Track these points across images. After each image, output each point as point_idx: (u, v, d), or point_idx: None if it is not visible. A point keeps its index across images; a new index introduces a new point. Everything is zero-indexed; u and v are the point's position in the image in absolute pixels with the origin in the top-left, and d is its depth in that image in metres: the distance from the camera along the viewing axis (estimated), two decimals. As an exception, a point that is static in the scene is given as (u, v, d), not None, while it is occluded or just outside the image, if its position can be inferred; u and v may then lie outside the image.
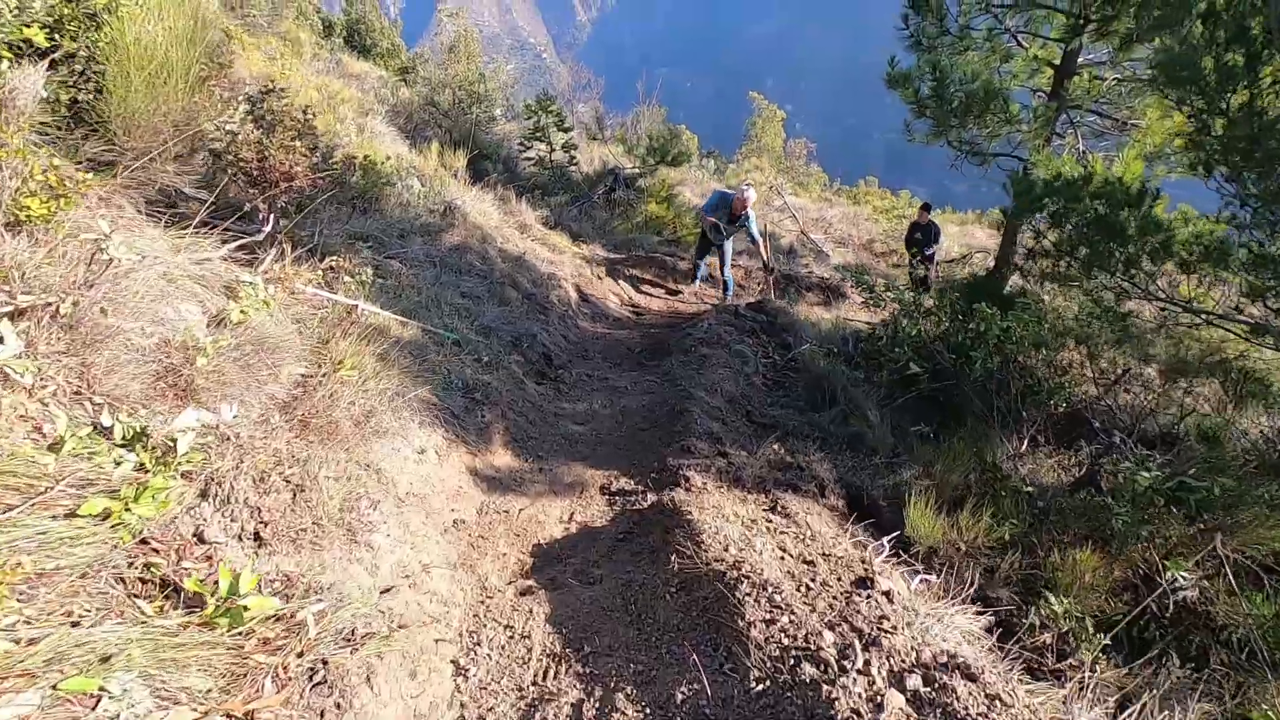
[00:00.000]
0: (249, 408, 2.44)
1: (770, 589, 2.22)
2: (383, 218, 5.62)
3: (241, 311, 2.53)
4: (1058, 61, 8.65)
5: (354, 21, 17.29)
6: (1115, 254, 4.59)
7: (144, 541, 1.68)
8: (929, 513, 3.33)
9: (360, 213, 5.59)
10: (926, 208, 10.98)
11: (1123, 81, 8.26)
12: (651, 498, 3.29)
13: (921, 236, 10.82)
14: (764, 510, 3.14)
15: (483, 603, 2.48)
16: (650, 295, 8.67)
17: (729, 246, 8.04)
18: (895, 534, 3.12)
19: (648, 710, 1.94)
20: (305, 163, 3.46)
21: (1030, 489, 3.78)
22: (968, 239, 16.05)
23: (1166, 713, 2.27)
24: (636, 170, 10.98)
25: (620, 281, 8.48)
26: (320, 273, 3.47)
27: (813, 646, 1.98)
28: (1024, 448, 4.42)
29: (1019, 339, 4.92)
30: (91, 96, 2.83)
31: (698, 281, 8.71)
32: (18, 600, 1.33)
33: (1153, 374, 6.00)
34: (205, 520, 1.87)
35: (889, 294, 5.74)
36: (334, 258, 3.62)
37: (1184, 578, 2.97)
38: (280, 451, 2.22)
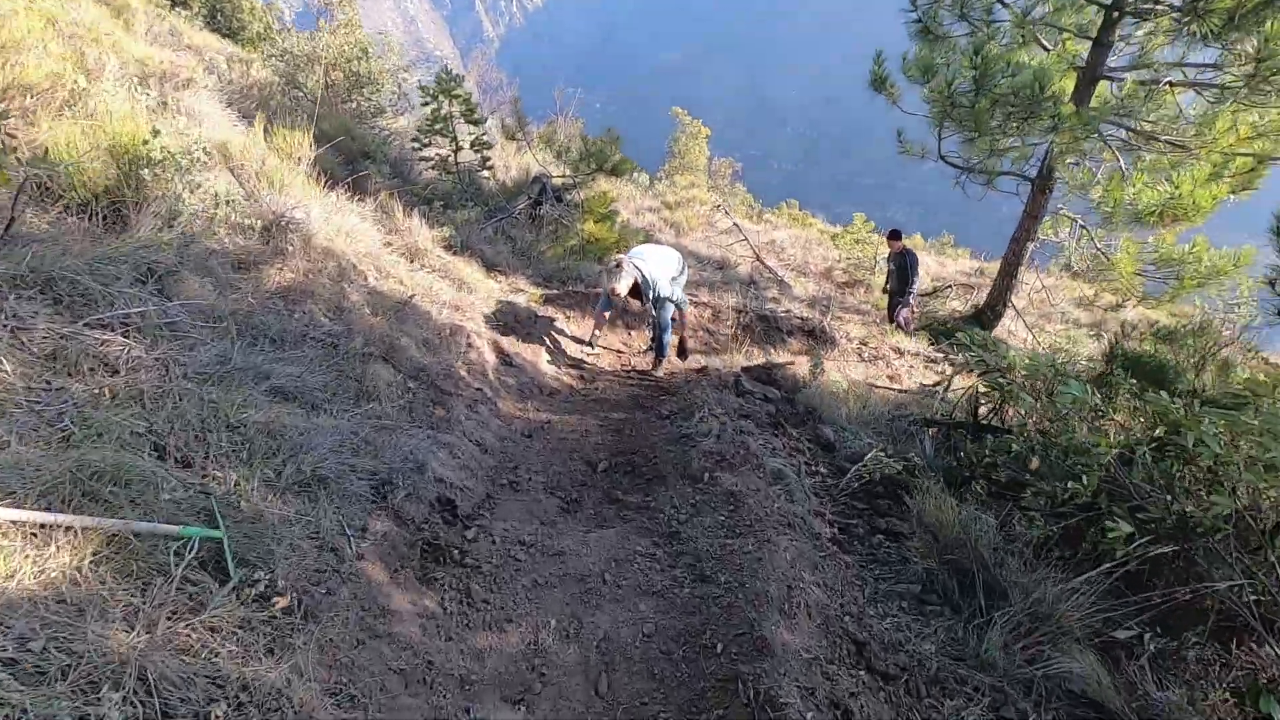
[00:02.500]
0: None
1: None
2: (132, 238, 2.97)
3: None
4: (1084, 58, 7.08)
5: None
6: None
7: None
8: None
9: (96, 233, 2.94)
10: (896, 235, 9.12)
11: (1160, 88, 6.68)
12: None
13: (896, 269, 8.99)
14: None
15: None
16: (598, 345, 6.31)
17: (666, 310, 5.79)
18: None
19: None
20: None
21: None
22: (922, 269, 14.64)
23: None
24: (568, 179, 8.62)
25: (557, 327, 6.06)
26: None
27: None
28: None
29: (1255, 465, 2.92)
30: None
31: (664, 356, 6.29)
32: None
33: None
34: None
35: (1013, 364, 3.65)
36: None
37: None
38: None
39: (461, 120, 7.46)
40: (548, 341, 5.77)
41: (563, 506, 3.13)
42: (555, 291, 6.87)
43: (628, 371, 5.87)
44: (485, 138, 7.77)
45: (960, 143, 6.88)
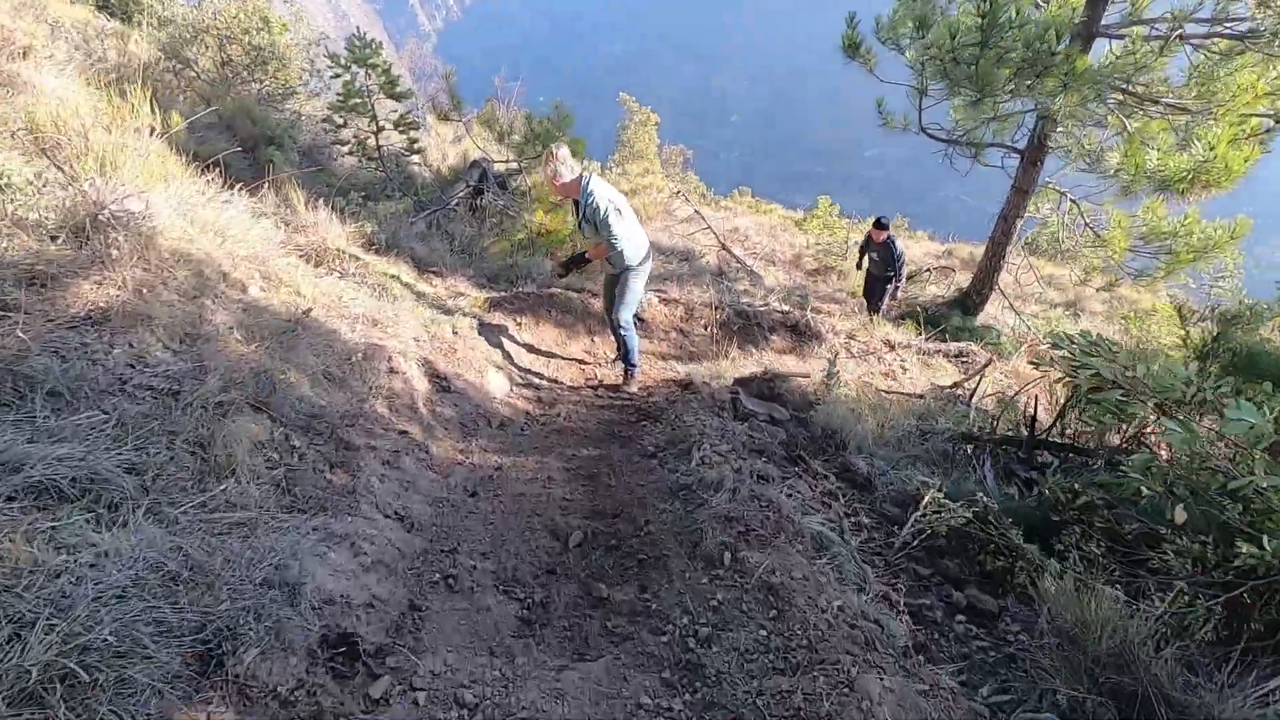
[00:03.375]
0: None
1: None
2: None
3: None
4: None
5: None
6: None
7: None
8: None
9: None
10: (881, 224, 8.06)
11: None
12: None
13: (879, 258, 8.12)
14: None
15: None
16: (554, 360, 5.30)
17: (627, 282, 4.68)
18: None
19: None
20: None
21: None
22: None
23: None
24: (513, 165, 7.56)
25: (505, 340, 5.03)
26: None
27: None
28: None
29: None
30: None
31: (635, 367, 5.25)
32: None
33: None
34: None
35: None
36: None
37: None
38: None
39: (381, 94, 6.31)
40: (496, 356, 4.73)
41: (522, 617, 2.14)
42: (502, 294, 5.83)
43: (594, 388, 4.88)
44: (412, 116, 6.64)
45: (963, 106, 6.11)
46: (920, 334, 8.14)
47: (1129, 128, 6.09)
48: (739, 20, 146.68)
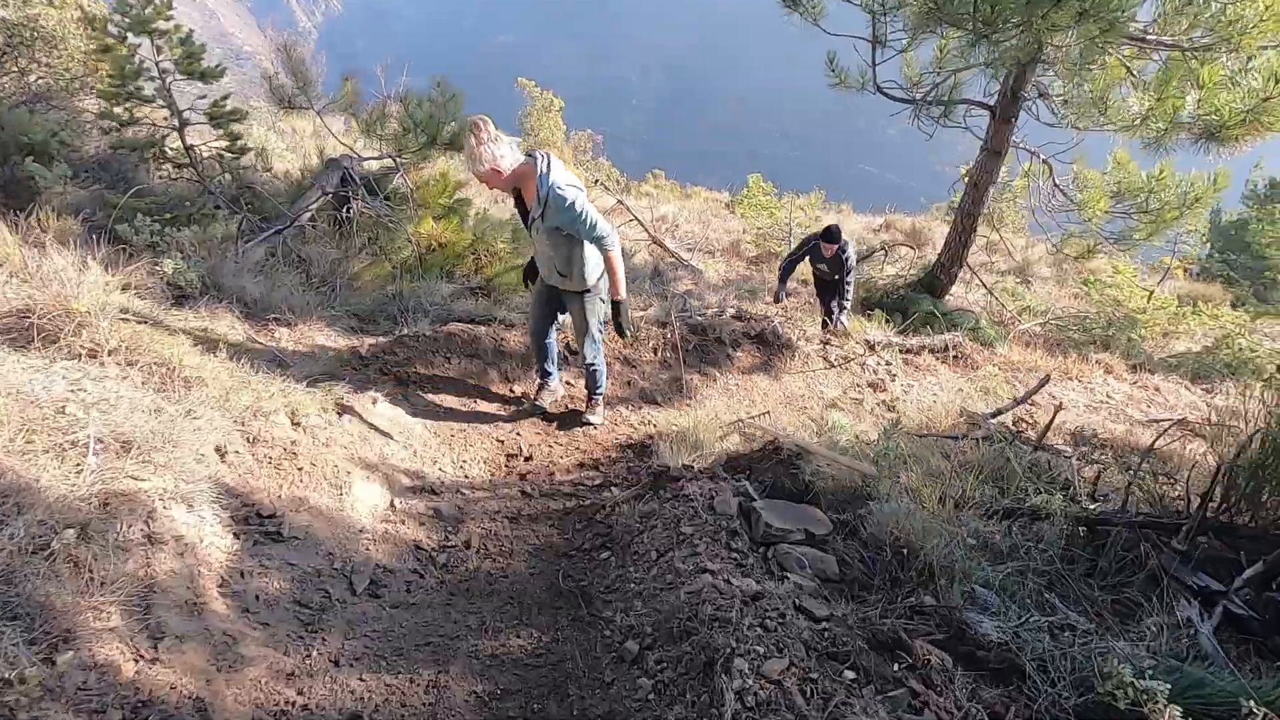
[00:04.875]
0: None
1: None
2: None
3: None
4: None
5: None
6: None
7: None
8: None
9: None
10: (831, 236, 6.16)
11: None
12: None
13: (829, 268, 6.57)
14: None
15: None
16: (460, 433, 3.74)
17: (593, 305, 3.58)
18: None
19: None
20: None
21: None
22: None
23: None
24: (388, 162, 5.87)
25: (383, 417, 3.44)
26: None
27: None
28: None
29: None
30: None
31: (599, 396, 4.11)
32: None
33: None
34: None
35: None
36: None
37: None
38: None
39: (178, 75, 4.50)
40: (369, 449, 3.15)
41: None
42: (380, 341, 4.20)
43: (522, 476, 3.38)
44: (233, 105, 4.83)
45: (959, 46, 4.91)
46: (894, 328, 7.05)
47: (1134, 73, 5.06)
48: (626, 3, 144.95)
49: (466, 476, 3.34)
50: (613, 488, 3.03)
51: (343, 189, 5.55)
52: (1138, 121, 4.84)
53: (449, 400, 4.00)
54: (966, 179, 7.41)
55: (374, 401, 3.50)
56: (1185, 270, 15.14)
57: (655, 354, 5.26)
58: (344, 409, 3.28)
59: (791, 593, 1.87)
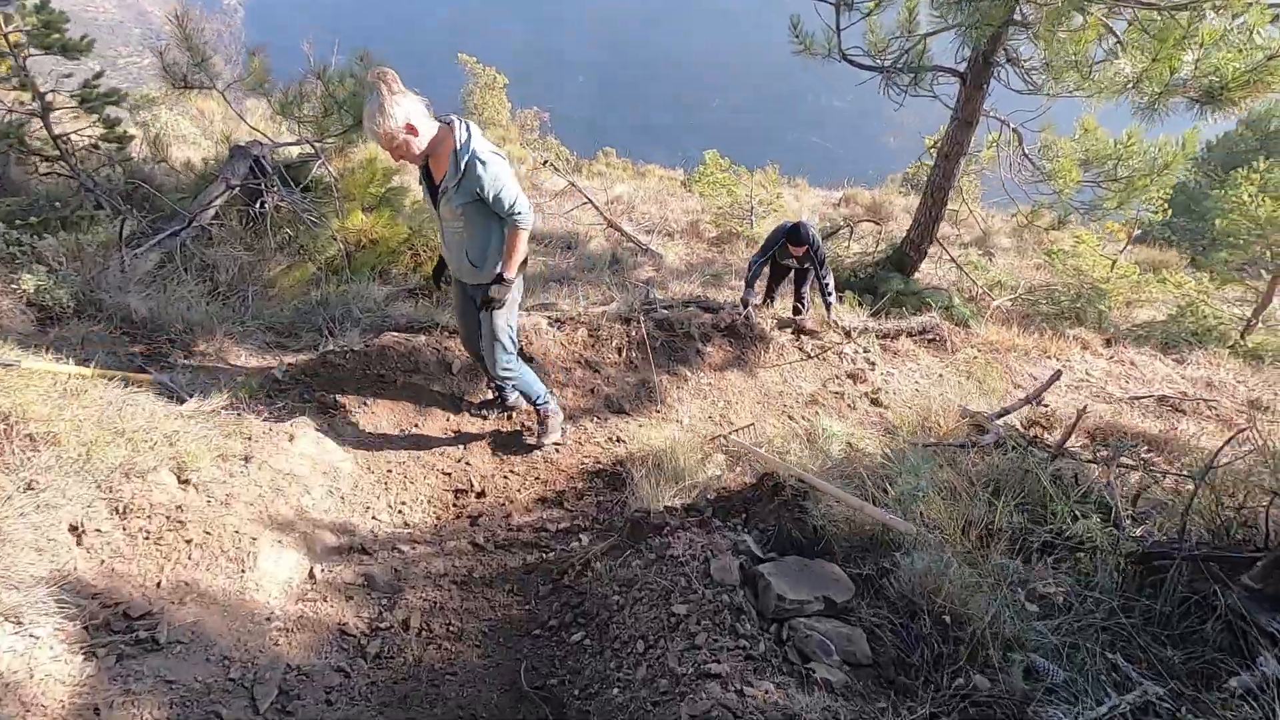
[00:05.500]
0: None
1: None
2: None
3: None
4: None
5: None
6: None
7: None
8: None
9: None
10: (799, 237, 5.37)
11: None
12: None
13: (797, 262, 5.89)
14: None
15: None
16: (399, 467, 3.19)
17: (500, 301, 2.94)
18: None
19: None
20: None
21: None
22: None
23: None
24: (308, 147, 5.17)
25: (304, 457, 2.88)
26: None
27: None
28: None
29: None
30: None
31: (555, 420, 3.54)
32: None
33: None
34: None
35: None
36: None
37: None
38: None
39: (32, 48, 3.72)
40: (283, 503, 2.58)
41: None
42: (301, 361, 3.60)
43: (474, 520, 2.86)
44: (109, 86, 4.07)
45: (940, 2, 4.47)
46: (866, 310, 6.69)
47: (1117, 35, 4.72)
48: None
49: (406, 525, 2.81)
50: (582, 535, 2.55)
51: (255, 180, 4.84)
52: (1129, 85, 4.53)
53: (385, 426, 3.44)
54: (935, 151, 7.06)
55: (290, 438, 2.92)
56: (1129, 236, 15.34)
57: (620, 354, 4.77)
58: (260, 439, 2.70)
59: (824, 709, 1.43)
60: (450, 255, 2.93)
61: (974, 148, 8.11)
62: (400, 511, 2.89)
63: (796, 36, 5.94)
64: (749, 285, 5.90)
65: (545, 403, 3.41)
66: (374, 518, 2.80)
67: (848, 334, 5.82)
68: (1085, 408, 2.93)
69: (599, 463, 3.33)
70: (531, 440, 3.43)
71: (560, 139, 27.95)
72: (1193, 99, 4.37)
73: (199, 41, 4.99)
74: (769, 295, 6.30)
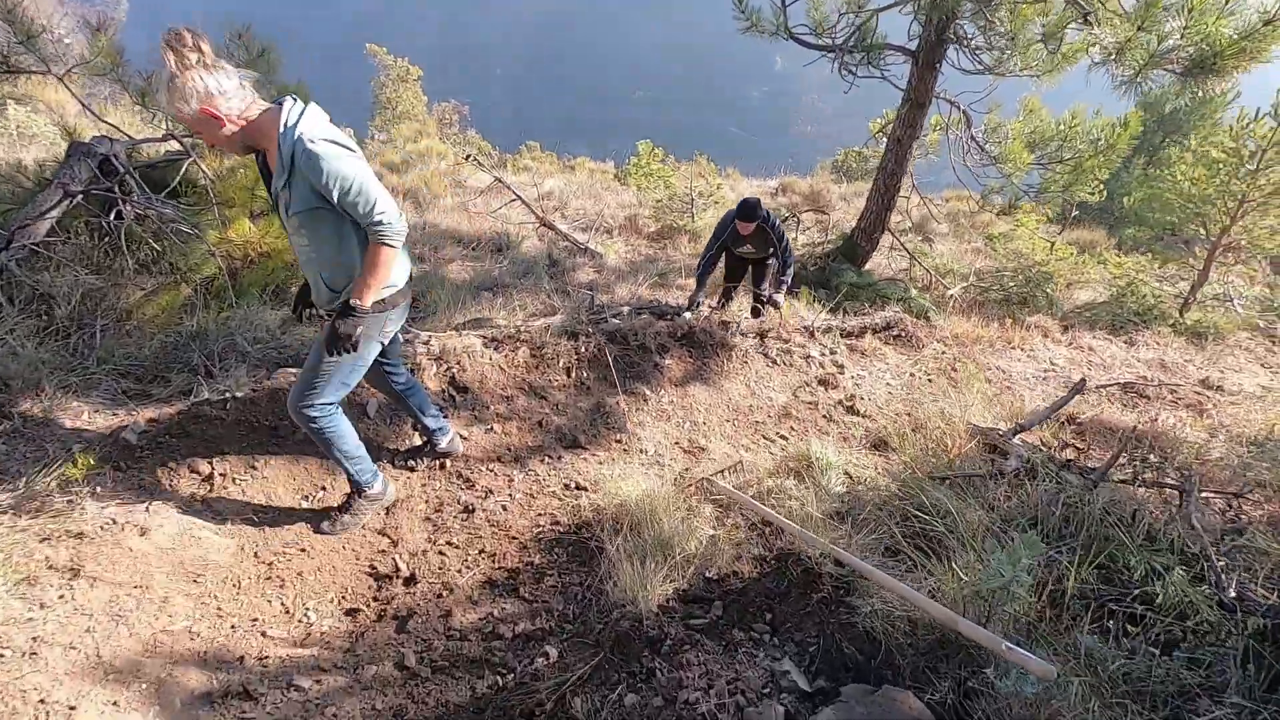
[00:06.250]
0: None
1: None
2: None
3: None
4: None
5: None
6: None
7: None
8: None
9: None
10: (749, 212, 4.93)
11: None
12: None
13: (753, 249, 5.40)
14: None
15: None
16: (295, 557, 2.47)
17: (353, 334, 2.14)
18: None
19: None
20: None
21: None
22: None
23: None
24: (173, 144, 4.28)
25: (163, 548, 2.14)
26: None
27: None
28: None
29: None
30: None
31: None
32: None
33: None
34: None
35: None
36: None
37: None
38: None
39: None
40: (129, 627, 1.85)
41: None
42: (166, 411, 2.81)
43: (402, 623, 2.19)
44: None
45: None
46: (823, 306, 6.28)
47: (1085, 6, 4.41)
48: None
49: (309, 638, 2.11)
50: (548, 644, 1.92)
51: (106, 185, 3.93)
52: (1110, 55, 4.23)
53: (281, 495, 2.70)
54: (885, 136, 6.72)
55: (141, 532, 2.17)
56: (1046, 216, 15.77)
57: (569, 375, 4.15)
58: (80, 562, 1.94)
59: None
60: (309, 278, 2.20)
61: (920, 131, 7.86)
62: (301, 619, 2.18)
63: (743, 12, 5.42)
64: (699, 283, 5.34)
65: (366, 488, 2.60)
66: (263, 633, 2.09)
67: (811, 334, 5.39)
68: (1083, 382, 2.51)
69: (557, 524, 2.70)
70: (326, 526, 2.58)
71: (482, 133, 26.76)
72: (1176, 72, 4.10)
73: (21, 13, 4.02)
74: (725, 296, 5.80)
